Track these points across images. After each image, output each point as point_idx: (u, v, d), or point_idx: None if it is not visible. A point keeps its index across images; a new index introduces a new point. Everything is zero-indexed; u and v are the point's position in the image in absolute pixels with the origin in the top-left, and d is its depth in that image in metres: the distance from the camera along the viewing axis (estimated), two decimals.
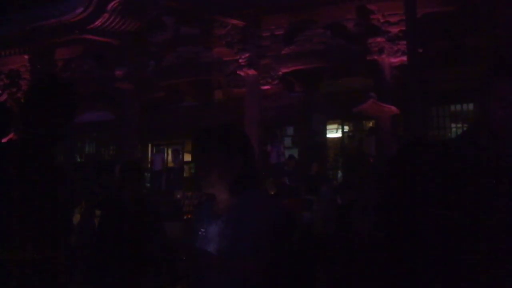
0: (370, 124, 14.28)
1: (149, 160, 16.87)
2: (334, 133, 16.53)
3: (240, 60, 13.16)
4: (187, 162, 16.30)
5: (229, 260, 2.03)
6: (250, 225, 2.04)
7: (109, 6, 13.06)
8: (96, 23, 13.20)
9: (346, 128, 16.45)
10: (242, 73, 13.28)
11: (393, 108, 11.32)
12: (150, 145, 18.17)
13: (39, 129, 2.32)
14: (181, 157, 15.72)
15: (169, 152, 16.61)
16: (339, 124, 16.43)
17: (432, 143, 2.60)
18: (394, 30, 11.66)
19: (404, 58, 11.13)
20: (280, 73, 13.25)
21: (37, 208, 2.16)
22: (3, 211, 2.13)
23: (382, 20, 11.80)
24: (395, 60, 11.68)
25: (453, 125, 14.72)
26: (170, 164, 16.02)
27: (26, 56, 15.67)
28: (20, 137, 2.36)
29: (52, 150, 2.36)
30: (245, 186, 2.12)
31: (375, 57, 11.83)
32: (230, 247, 2.03)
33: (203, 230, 2.14)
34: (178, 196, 13.18)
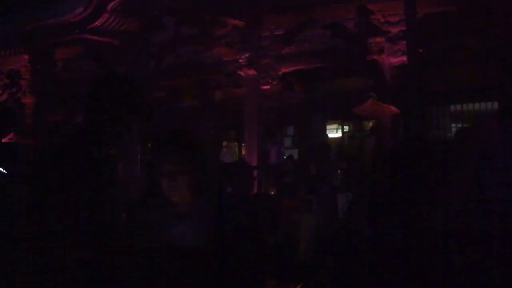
0: (370, 124, 14.29)
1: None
2: (334, 133, 16.54)
3: (240, 60, 13.15)
4: None
5: (215, 253, 2.10)
6: (226, 220, 2.13)
7: (109, 6, 13.06)
8: (96, 23, 13.19)
9: (346, 128, 16.46)
10: (242, 73, 13.28)
11: (393, 108, 11.31)
12: (150, 145, 18.17)
13: (103, 126, 2.21)
14: None
15: None
16: (339, 124, 16.44)
17: (427, 141, 2.63)
18: (394, 30, 11.65)
19: (404, 58, 11.13)
20: (280, 73, 13.25)
21: (94, 208, 2.08)
22: (60, 209, 2.03)
23: (382, 20, 11.79)
24: (395, 60, 11.68)
25: (453, 125, 14.73)
26: None
27: (26, 56, 15.66)
28: (81, 135, 2.25)
29: (111, 149, 2.28)
30: (207, 186, 2.22)
31: (375, 57, 11.83)
32: (210, 242, 2.11)
33: (162, 231, 2.19)
34: None
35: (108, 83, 2.32)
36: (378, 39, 11.79)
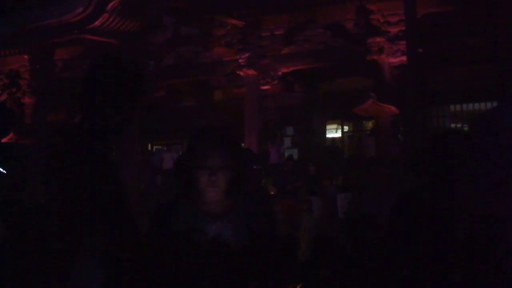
0: (370, 124, 14.29)
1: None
2: (334, 133, 16.53)
3: (240, 60, 13.15)
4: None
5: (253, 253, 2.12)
6: (264, 221, 2.13)
7: (109, 6, 13.05)
8: (96, 23, 13.19)
9: (346, 128, 16.45)
10: (241, 73, 13.28)
11: (393, 108, 11.32)
12: (150, 145, 18.17)
13: (99, 119, 1.99)
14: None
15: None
16: (339, 124, 16.43)
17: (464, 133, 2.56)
18: (394, 30, 11.66)
19: (404, 58, 11.13)
20: (280, 73, 13.25)
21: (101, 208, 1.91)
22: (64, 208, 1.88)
23: (382, 20, 11.79)
24: (395, 60, 11.68)
25: (453, 125, 14.71)
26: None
27: (26, 56, 15.66)
28: (75, 129, 2.03)
29: (109, 144, 2.05)
30: (242, 186, 2.21)
31: (375, 57, 11.83)
32: (252, 242, 2.11)
33: (194, 228, 2.17)
34: None
35: (103, 66, 2.09)
36: (378, 39, 11.79)
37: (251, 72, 13.14)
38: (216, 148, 2.19)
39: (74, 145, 1.97)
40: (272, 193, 11.57)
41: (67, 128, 2.09)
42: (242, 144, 13.08)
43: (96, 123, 2.01)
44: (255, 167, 10.44)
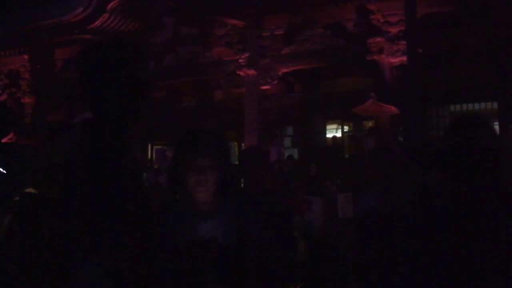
0: (370, 124, 14.28)
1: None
2: (334, 133, 16.53)
3: (240, 60, 13.15)
4: None
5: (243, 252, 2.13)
6: (256, 220, 2.13)
7: (109, 6, 13.06)
8: (96, 23, 13.20)
9: (346, 128, 16.45)
10: (241, 73, 13.28)
11: (393, 108, 11.32)
12: (150, 145, 18.17)
13: (103, 112, 1.87)
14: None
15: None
16: (339, 124, 16.43)
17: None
18: (394, 30, 11.66)
19: (404, 58, 11.13)
20: (280, 73, 13.25)
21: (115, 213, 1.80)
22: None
23: (382, 20, 11.80)
24: (395, 60, 11.68)
25: None
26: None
27: (26, 56, 15.67)
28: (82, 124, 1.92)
29: (123, 138, 1.91)
30: (232, 186, 2.22)
31: (375, 57, 11.83)
32: (242, 241, 2.12)
33: (184, 229, 2.17)
34: None
35: (95, 53, 1.93)
36: (378, 39, 11.79)
37: (251, 72, 13.14)
38: (203, 148, 2.21)
39: (94, 140, 1.87)
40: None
41: (87, 122, 1.98)
42: (242, 144, 13.10)
43: (107, 112, 1.89)
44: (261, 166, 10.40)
